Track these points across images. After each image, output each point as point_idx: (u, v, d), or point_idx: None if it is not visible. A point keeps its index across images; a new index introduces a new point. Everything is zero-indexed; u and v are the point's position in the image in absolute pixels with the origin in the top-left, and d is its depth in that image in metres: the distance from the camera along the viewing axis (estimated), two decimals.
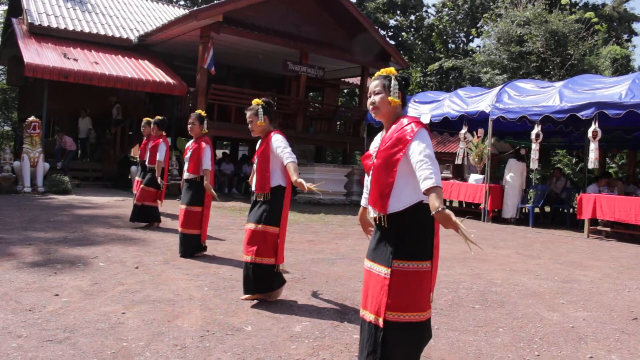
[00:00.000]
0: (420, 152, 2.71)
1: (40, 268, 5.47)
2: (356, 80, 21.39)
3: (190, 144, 6.68)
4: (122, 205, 10.97)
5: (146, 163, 8.70)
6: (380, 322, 2.82)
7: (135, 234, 7.83)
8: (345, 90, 29.17)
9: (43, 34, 15.66)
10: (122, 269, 5.63)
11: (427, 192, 2.61)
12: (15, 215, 8.90)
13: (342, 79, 21.61)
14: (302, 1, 16.36)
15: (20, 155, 12.65)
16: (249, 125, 4.81)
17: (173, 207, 10.65)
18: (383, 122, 3.07)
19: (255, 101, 4.79)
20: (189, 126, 6.54)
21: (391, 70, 3.06)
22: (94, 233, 7.65)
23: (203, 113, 6.66)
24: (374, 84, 3.04)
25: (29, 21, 15.64)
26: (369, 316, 2.93)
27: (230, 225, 9.39)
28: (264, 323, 4.14)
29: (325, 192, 14.04)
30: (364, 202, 3.34)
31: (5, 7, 29.11)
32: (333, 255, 7.11)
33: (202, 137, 6.58)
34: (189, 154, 6.59)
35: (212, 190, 6.37)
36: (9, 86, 29.44)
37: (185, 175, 6.61)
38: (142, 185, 8.47)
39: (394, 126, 2.94)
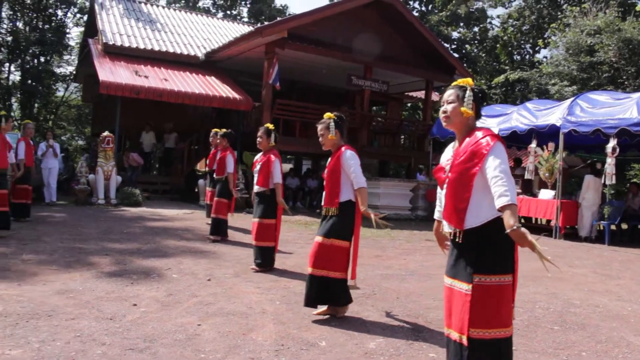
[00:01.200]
0: (495, 168, 2.65)
1: (118, 278, 5.64)
2: (420, 94, 21.21)
3: (259, 157, 6.74)
4: (190, 217, 11.22)
5: (214, 175, 8.86)
6: (465, 340, 2.75)
7: (205, 246, 7.97)
8: (409, 104, 28.96)
9: (116, 53, 16.32)
10: (195, 281, 5.73)
11: (502, 209, 2.56)
12: (92, 226, 9.24)
13: (406, 93, 21.48)
14: (366, 16, 16.39)
15: (94, 168, 13.17)
16: (320, 139, 4.79)
17: (239, 220, 10.81)
18: (455, 133, 3.01)
19: (327, 115, 4.78)
20: (258, 139, 6.61)
21: (468, 80, 2.99)
22: (165, 245, 7.84)
23: (271, 126, 6.70)
24: (447, 93, 2.99)
25: (104, 41, 16.34)
26: (454, 335, 2.86)
27: (297, 239, 9.43)
28: (338, 339, 4.11)
29: (390, 207, 13.93)
30: (437, 215, 3.28)
31: (82, 29, 30.77)
32: (402, 271, 7.01)
33: (270, 150, 6.62)
34: (258, 167, 6.64)
35: (285, 204, 6.41)
36: (84, 103, 30.89)
37: (255, 188, 6.64)
38: (215, 198, 8.61)
39: (468, 139, 2.87)
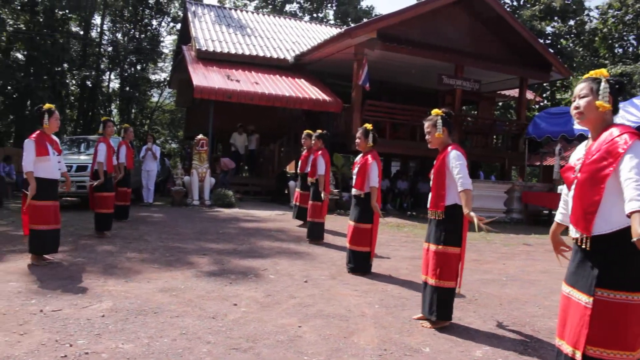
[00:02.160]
0: (631, 169, 2.37)
1: (217, 277, 5.74)
2: (513, 92, 20.44)
3: (358, 158, 6.60)
4: (282, 219, 11.33)
5: (308, 177, 8.85)
6: (579, 355, 2.53)
7: (300, 247, 7.99)
8: (500, 103, 28.01)
9: (209, 59, 16.82)
10: (292, 282, 5.73)
11: (631, 214, 2.29)
12: (188, 227, 9.52)
13: (498, 92, 20.76)
14: (456, 14, 15.97)
15: (189, 170, 13.60)
16: (427, 137, 4.59)
17: (332, 222, 10.78)
18: (590, 131, 2.76)
19: (435, 111, 4.57)
20: (356, 140, 6.49)
21: (602, 71, 2.72)
22: (260, 246, 7.93)
23: (369, 126, 6.51)
24: (579, 87, 2.73)
25: (197, 47, 16.88)
26: (566, 348, 2.64)
27: (391, 241, 9.28)
28: (442, 345, 3.96)
29: (483, 210, 13.47)
30: (558, 217, 3.05)
31: (175, 37, 32.14)
32: (502, 276, 6.72)
33: (369, 152, 6.44)
34: (356, 169, 6.50)
35: (378, 209, 6.25)
36: (177, 107, 32.19)
37: (353, 191, 6.52)
38: (310, 201, 8.59)
39: (602, 136, 2.60)
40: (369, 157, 6.34)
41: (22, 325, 3.91)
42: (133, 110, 33.08)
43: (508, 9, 29.78)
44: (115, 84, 32.91)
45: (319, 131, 9.04)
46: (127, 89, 29.82)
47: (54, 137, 6.26)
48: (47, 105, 6.19)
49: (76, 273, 5.74)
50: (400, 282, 6.05)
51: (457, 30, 16.00)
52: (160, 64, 34.35)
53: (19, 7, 25.29)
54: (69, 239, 7.75)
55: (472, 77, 16.49)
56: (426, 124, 4.56)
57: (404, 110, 15.45)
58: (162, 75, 34.87)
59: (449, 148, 4.41)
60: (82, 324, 4.00)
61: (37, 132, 6.10)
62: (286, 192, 15.51)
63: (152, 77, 33.96)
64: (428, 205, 4.57)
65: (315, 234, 8.53)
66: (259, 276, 5.94)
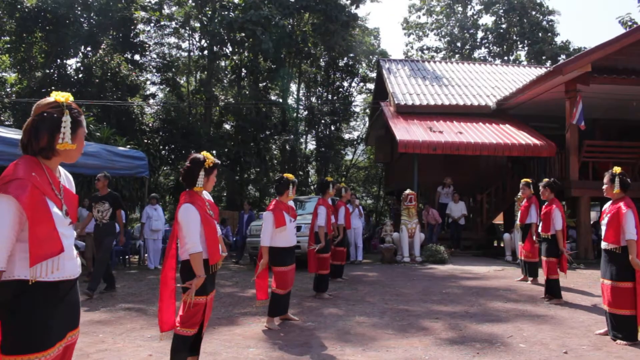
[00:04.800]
0: None
1: (460, 346, 5.19)
2: None
3: (607, 206, 5.69)
4: (504, 275, 10.42)
5: (539, 231, 7.93)
6: None
7: (539, 309, 7.11)
8: None
9: (408, 112, 16.72)
10: (549, 353, 4.98)
11: None
12: (408, 286, 9.11)
13: None
14: None
15: (398, 226, 13.31)
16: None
17: (572, 278, 9.66)
18: None
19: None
20: (603, 187, 5.61)
21: None
22: (493, 307, 7.21)
23: (617, 170, 5.61)
24: None
25: (395, 102, 16.90)
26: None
27: None
28: None
29: None
30: None
31: (364, 96, 33.10)
32: None
33: (620, 199, 5.53)
34: (605, 219, 5.59)
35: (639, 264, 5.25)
36: (371, 164, 32.74)
37: (603, 244, 5.59)
38: (544, 258, 7.73)
39: None
40: (622, 205, 5.39)
41: None
42: (329, 170, 34.32)
43: None
44: (311, 145, 34.55)
45: (546, 180, 8.15)
46: (323, 149, 31.05)
47: (290, 204, 6.35)
48: (289, 176, 6.29)
49: (310, 338, 5.58)
50: None
51: None
52: (352, 123, 35.47)
53: (226, 84, 27.99)
54: (293, 300, 7.73)
55: None
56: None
57: (631, 148, 13.74)
58: (354, 134, 35.95)
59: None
60: None
61: (274, 201, 6.20)
62: (502, 245, 14.44)
63: (346, 136, 35.10)
64: None
65: (553, 292, 7.62)
66: (507, 345, 5.26)
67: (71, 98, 2.58)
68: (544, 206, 7.90)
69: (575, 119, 13.37)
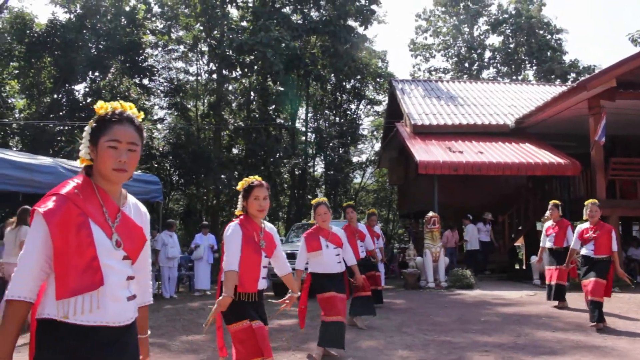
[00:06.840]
0: None
1: None
2: None
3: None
4: (539, 301, 9.85)
5: (593, 254, 7.38)
6: None
7: (592, 339, 6.61)
8: None
9: (425, 132, 16.33)
10: None
11: None
12: (440, 314, 8.62)
13: None
14: None
15: (421, 250, 12.84)
16: None
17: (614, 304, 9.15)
18: None
19: None
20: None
21: None
22: (542, 338, 6.71)
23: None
24: None
25: (412, 123, 16.53)
26: None
27: None
28: None
29: None
30: None
31: (371, 118, 32.88)
32: None
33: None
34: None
35: None
36: (381, 186, 32.32)
37: None
38: (593, 279, 7.23)
39: None
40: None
41: None
42: (338, 193, 33.85)
43: None
44: (319, 168, 34.20)
45: (592, 200, 7.69)
46: (332, 172, 30.67)
47: (337, 230, 6.00)
48: (316, 200, 6.05)
49: None
50: None
51: None
52: (360, 146, 35.17)
53: (235, 108, 27.74)
54: None
55: None
56: None
57: None
58: (362, 157, 35.63)
59: None
60: None
61: (313, 228, 5.94)
62: (518, 267, 13.96)
63: (354, 159, 34.79)
64: None
65: (597, 316, 7.12)
66: None
67: (123, 106, 2.18)
68: (594, 226, 7.36)
69: (597, 135, 12.99)
